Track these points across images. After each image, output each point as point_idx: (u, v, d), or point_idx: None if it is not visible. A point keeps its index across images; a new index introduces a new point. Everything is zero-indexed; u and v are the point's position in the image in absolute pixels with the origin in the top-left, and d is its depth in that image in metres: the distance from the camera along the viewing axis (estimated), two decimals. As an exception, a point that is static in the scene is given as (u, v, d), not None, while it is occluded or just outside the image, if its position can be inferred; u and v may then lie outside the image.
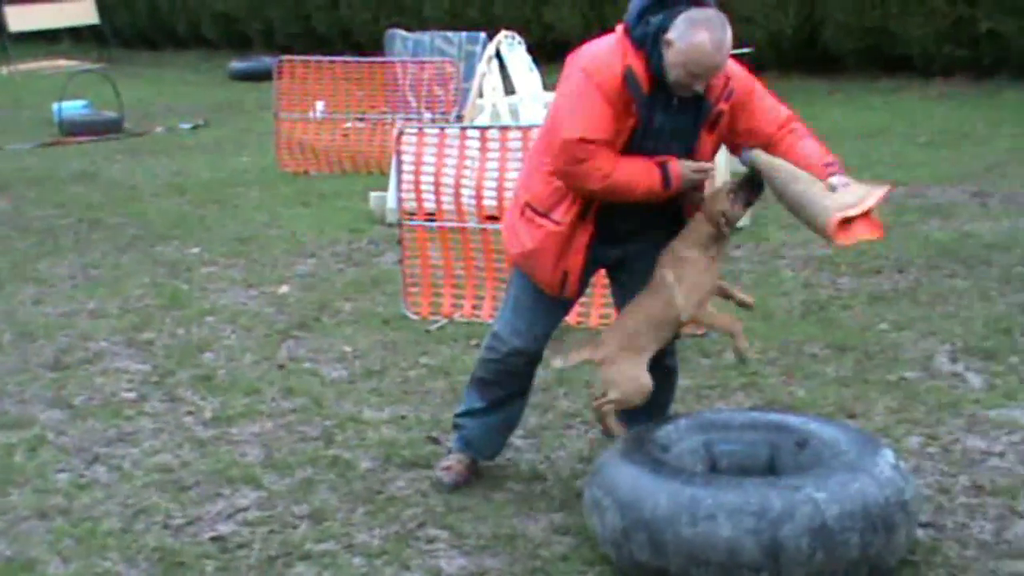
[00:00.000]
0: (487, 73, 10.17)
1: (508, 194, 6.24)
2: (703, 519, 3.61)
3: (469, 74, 11.94)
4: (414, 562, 4.14)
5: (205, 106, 18.65)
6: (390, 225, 8.83)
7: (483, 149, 7.10)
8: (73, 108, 16.32)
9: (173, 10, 26.37)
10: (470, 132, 7.34)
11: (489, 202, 6.97)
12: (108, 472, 5.00)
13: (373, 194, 9.94)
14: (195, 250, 8.91)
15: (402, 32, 14.70)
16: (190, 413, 5.64)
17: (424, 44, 14.08)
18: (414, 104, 12.64)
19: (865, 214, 4.12)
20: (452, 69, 12.42)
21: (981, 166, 10.92)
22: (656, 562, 3.70)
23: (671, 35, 3.95)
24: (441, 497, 4.61)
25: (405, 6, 21.51)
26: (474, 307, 6.91)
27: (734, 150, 4.42)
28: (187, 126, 16.44)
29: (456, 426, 4.73)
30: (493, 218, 6.88)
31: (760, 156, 4.21)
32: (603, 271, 4.62)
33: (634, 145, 4.10)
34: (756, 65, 19.66)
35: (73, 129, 15.58)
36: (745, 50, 17.16)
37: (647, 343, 4.27)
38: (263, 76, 18.40)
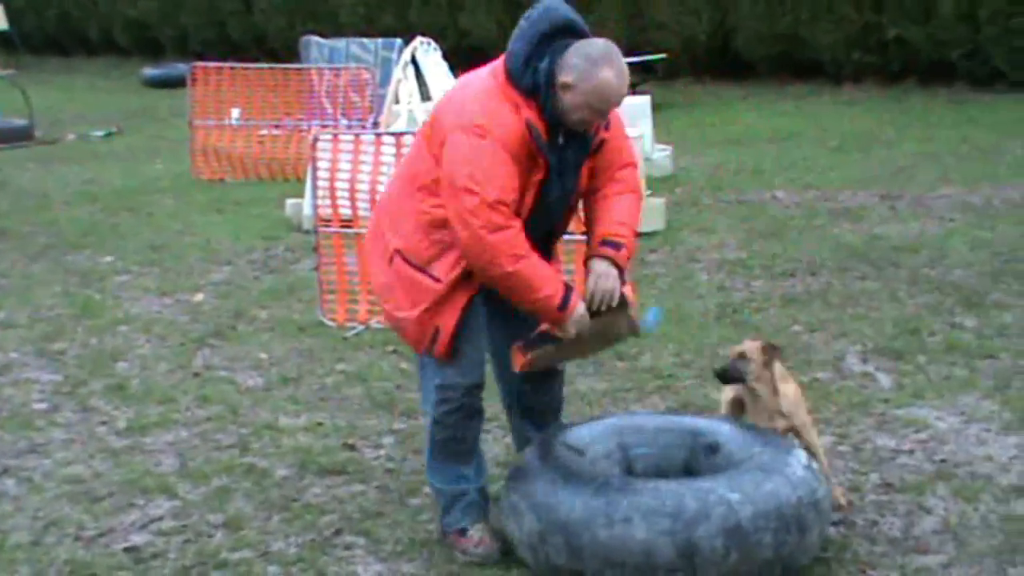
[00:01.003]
0: (403, 79, 10.16)
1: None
2: (619, 522, 3.64)
3: (385, 80, 11.92)
4: (331, 569, 4.12)
5: (118, 113, 18.41)
6: (306, 232, 8.78)
7: (399, 155, 7.09)
8: (-20, 115, 16.02)
9: (84, 16, 26.02)
10: (385, 138, 7.33)
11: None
12: (17, 484, 4.90)
13: (289, 201, 9.88)
14: (108, 259, 8.79)
15: (317, 38, 14.65)
16: (103, 423, 5.56)
17: (340, 50, 14.05)
18: (330, 111, 12.60)
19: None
20: (368, 75, 12.40)
21: (889, 170, 11.15)
22: (573, 565, 3.72)
23: (568, 78, 3.72)
24: (357, 503, 4.59)
25: (320, 12, 21.44)
26: (391, 313, 6.89)
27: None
28: (99, 133, 16.22)
29: (449, 504, 4.21)
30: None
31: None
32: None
33: (542, 195, 3.88)
34: (669, 71, 19.94)
35: (-19, 136, 15.29)
36: (659, 56, 17.42)
37: None
38: (177, 83, 18.24)
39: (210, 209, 10.65)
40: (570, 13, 3.84)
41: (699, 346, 6.27)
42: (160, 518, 4.55)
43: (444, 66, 10.63)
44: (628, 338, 4.24)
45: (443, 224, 3.86)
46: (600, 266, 3.96)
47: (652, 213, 8.97)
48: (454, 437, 4.14)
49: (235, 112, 12.71)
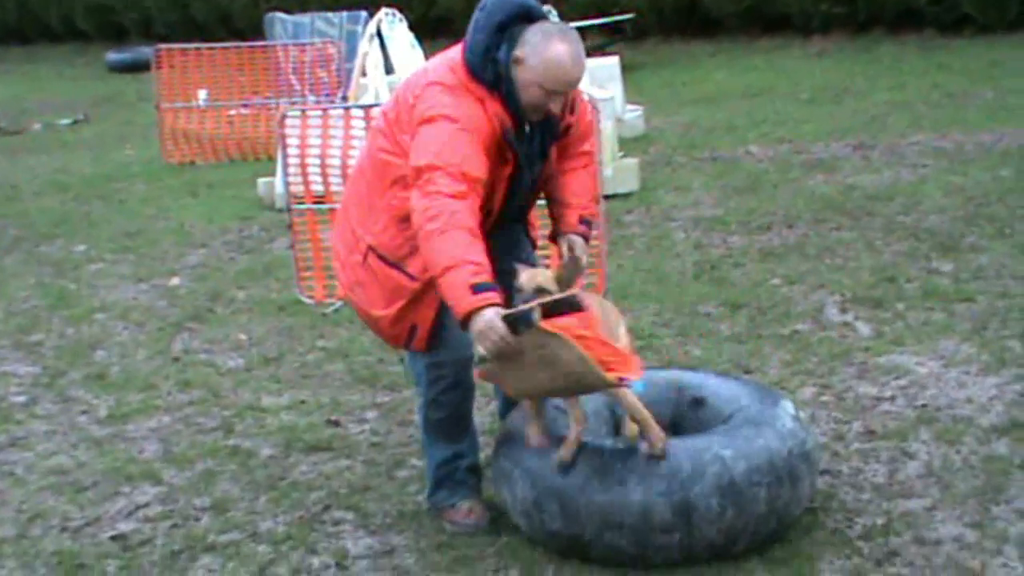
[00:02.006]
0: (368, 52, 10.09)
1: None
2: (614, 485, 3.64)
3: (351, 54, 11.85)
4: (320, 545, 4.11)
5: (84, 100, 18.26)
6: (280, 210, 8.74)
7: (368, 128, 7.04)
8: (-55, 109, 15.88)
9: (45, 3, 25.71)
10: (354, 112, 7.28)
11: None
12: (0, 479, 4.88)
13: (261, 180, 9.83)
14: (81, 247, 8.73)
15: (281, 15, 14.55)
16: (84, 412, 5.53)
17: (304, 26, 13.96)
18: (298, 87, 12.53)
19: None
20: (333, 50, 12.32)
21: (862, 120, 11.16)
22: (569, 530, 3.72)
23: (520, 51, 3.63)
24: (344, 479, 4.58)
25: (284, -12, 21.24)
26: (369, 287, 6.86)
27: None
28: (66, 122, 16.09)
29: (439, 482, 4.15)
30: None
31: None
32: None
33: (512, 186, 3.82)
34: (638, 31, 19.90)
35: (-54, 131, 15.17)
36: (627, 16, 17.36)
37: None
38: (142, 67, 18.10)
39: (182, 192, 10.58)
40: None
41: (678, 304, 6.27)
42: (146, 504, 4.54)
43: (410, 37, 10.57)
44: (602, 387, 3.61)
45: None
46: (580, 243, 3.94)
47: (626, 173, 8.96)
48: (451, 415, 4.06)
49: (202, 94, 12.62)
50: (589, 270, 6.62)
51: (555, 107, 3.70)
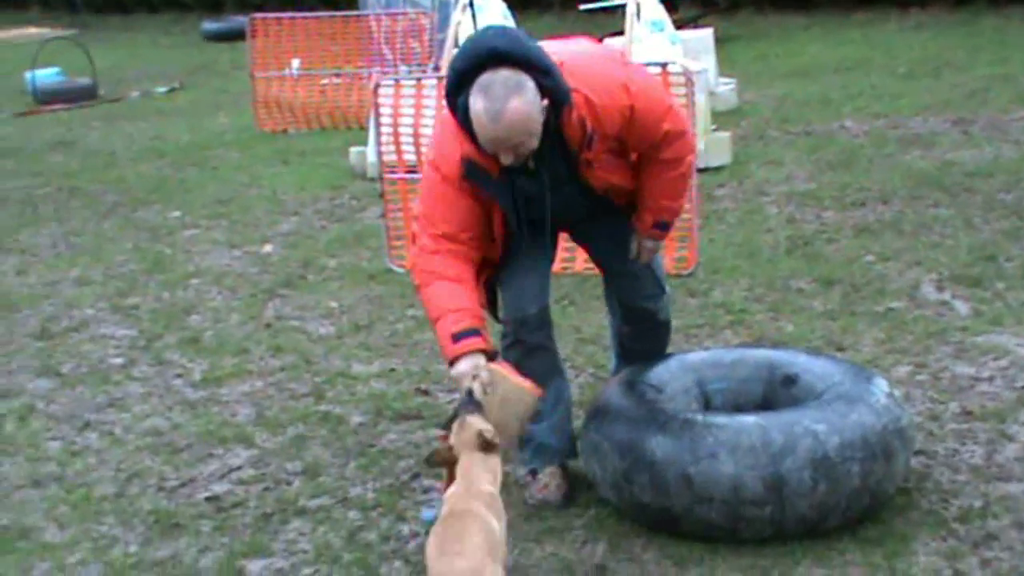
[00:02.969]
0: (461, 22, 10.07)
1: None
2: (705, 458, 3.62)
3: (443, 24, 11.83)
4: (409, 513, 4.14)
5: (179, 69, 18.52)
6: (371, 180, 8.79)
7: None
8: (46, 76, 16.20)
9: (143, -27, 26.08)
10: (447, 82, 7.27)
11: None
12: (100, 438, 4.99)
13: (353, 149, 9.89)
14: (176, 213, 8.87)
15: (375, -15, 14.56)
16: (179, 376, 5.62)
17: (397, -5, 13.96)
18: (389, 57, 12.56)
19: None
20: (426, 20, 12.33)
21: (961, 94, 10.90)
22: (660, 502, 3.71)
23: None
24: (432, 448, 4.59)
25: (377, -42, 21.30)
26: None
27: None
28: (162, 90, 16.33)
29: (523, 444, 4.15)
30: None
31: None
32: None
33: (530, 217, 3.82)
34: (732, 3, 19.63)
35: (47, 97, 15.48)
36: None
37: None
38: (236, 36, 18.26)
39: (275, 160, 10.70)
40: (497, 41, 3.54)
41: (770, 279, 6.20)
42: (239, 467, 4.61)
43: (503, 7, 10.53)
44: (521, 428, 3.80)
45: None
46: (648, 246, 4.09)
47: (718, 147, 8.87)
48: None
49: (295, 63, 12.72)
50: (680, 244, 6.58)
51: (504, 160, 3.59)
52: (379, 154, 7.30)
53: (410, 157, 7.18)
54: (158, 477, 4.57)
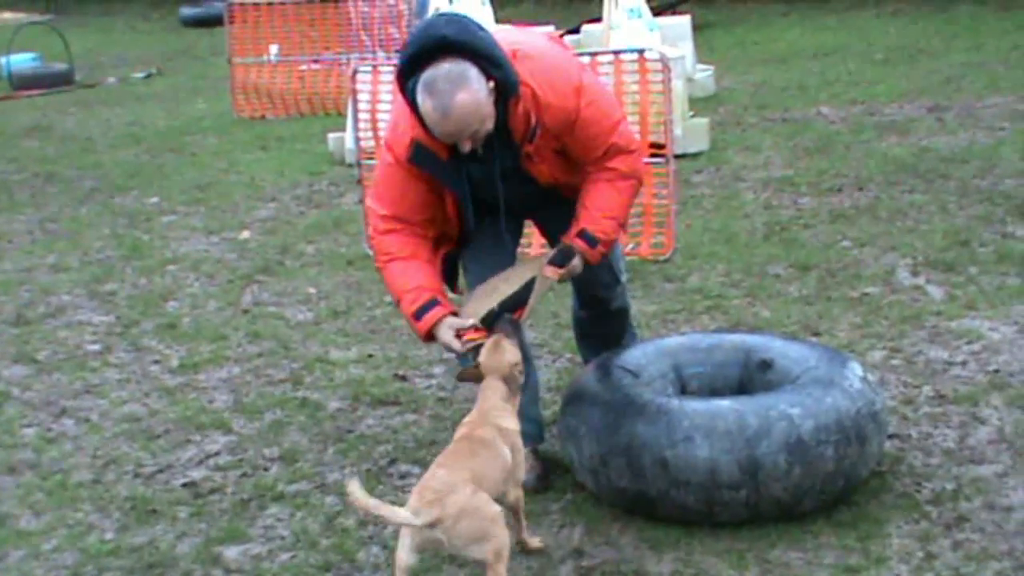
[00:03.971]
0: (440, 8, 10.06)
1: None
2: (681, 441, 3.64)
3: (422, 11, 11.81)
4: (387, 498, 4.14)
5: (157, 54, 18.44)
6: (349, 165, 8.78)
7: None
8: (22, 61, 16.10)
9: (119, -42, 25.92)
10: (425, 67, 7.26)
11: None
12: (76, 424, 4.98)
13: (331, 135, 9.88)
14: (154, 199, 8.84)
15: (353, -29, 14.51)
16: (156, 362, 5.62)
17: (375, -19, 13.91)
18: (368, 43, 12.54)
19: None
20: (404, 6, 12.31)
21: (937, 81, 10.96)
22: (636, 486, 3.73)
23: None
24: (410, 432, 4.62)
25: (355, -56, 21.23)
26: (437, 243, 6.89)
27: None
28: (140, 75, 16.26)
29: None
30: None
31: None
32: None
33: (476, 198, 3.82)
34: (710, -11, 19.42)
35: (23, 83, 15.39)
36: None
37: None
38: (215, 21, 18.21)
39: (253, 146, 10.67)
40: (447, 28, 3.50)
41: (747, 265, 6.23)
42: (216, 453, 4.61)
43: (480, -8, 10.51)
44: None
45: None
46: (573, 259, 3.89)
47: (696, 133, 8.90)
48: None
49: (274, 49, 12.70)
50: (657, 230, 6.60)
51: (464, 147, 3.60)
52: (357, 140, 7.30)
53: (388, 143, 7.18)
54: (135, 463, 4.57)
